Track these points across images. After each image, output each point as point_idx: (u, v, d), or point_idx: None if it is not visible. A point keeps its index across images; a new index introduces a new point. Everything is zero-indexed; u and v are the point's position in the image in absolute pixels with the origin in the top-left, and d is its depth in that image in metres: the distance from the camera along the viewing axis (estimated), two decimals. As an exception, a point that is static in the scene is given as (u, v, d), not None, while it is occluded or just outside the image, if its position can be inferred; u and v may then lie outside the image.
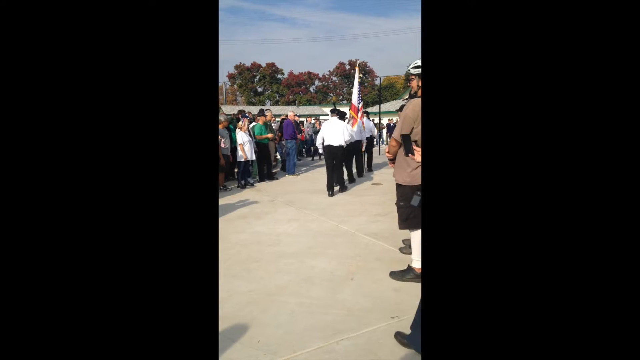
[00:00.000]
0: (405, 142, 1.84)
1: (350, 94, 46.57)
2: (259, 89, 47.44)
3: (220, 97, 31.40)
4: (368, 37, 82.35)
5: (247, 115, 7.44)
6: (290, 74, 47.38)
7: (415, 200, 2.07)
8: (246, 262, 3.14)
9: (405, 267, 2.78)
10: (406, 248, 3.26)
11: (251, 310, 2.33)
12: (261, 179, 7.32)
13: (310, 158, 11.47)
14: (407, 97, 5.15)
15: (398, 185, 2.68)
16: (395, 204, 2.84)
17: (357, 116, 7.24)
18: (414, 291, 2.47)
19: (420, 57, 2.00)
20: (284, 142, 8.15)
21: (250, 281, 2.76)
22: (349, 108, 7.77)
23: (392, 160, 2.74)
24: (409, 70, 2.55)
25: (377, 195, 5.71)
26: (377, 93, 19.42)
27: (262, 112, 7.72)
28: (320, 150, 6.18)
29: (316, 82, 48.81)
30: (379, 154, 10.17)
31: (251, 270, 2.98)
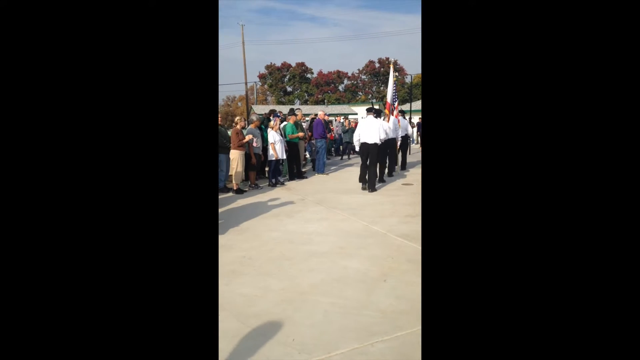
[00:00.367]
0: None
1: (379, 92, 46.20)
2: (289, 89, 47.93)
3: (251, 97, 31.99)
4: (398, 34, 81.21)
5: (278, 114, 7.53)
6: (320, 73, 47.52)
7: None
8: (279, 260, 3.19)
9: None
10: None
11: (284, 308, 2.36)
12: (291, 178, 7.39)
13: (340, 157, 11.45)
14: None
15: None
16: None
17: (389, 113, 7.42)
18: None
19: None
20: (313, 142, 8.19)
21: (283, 279, 2.80)
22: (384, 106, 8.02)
23: None
24: None
25: (407, 196, 5.62)
26: (407, 91, 19.12)
27: (292, 112, 7.79)
28: (357, 148, 6.44)
29: (345, 81, 48.68)
30: (409, 153, 10.03)
31: (283, 268, 3.02)
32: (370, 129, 6.07)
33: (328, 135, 9.18)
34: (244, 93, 29.33)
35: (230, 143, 6.05)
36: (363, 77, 48.55)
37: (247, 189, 6.34)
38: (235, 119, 6.44)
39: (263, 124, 7.09)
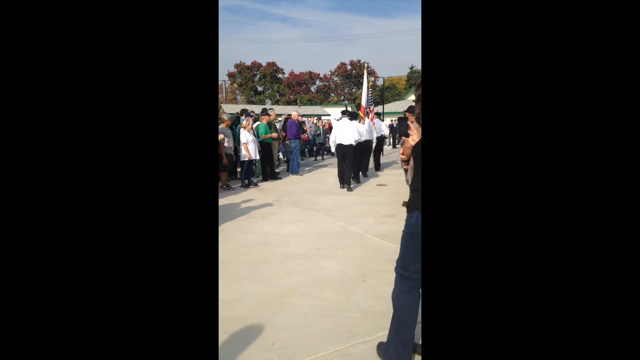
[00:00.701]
0: None
1: (351, 94, 46.71)
2: (259, 88, 47.43)
3: (219, 95, 31.38)
4: (369, 37, 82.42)
5: (251, 114, 7.40)
6: (291, 73, 47.36)
7: None
8: (255, 263, 3.10)
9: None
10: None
11: (263, 312, 2.29)
12: (264, 179, 7.28)
13: (313, 158, 11.43)
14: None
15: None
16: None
17: (364, 116, 7.60)
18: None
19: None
20: (287, 142, 8.12)
21: (260, 283, 2.72)
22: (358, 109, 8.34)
23: (407, 161, 2.71)
24: None
25: (383, 197, 5.68)
26: (379, 94, 19.47)
27: (265, 112, 7.68)
28: (333, 149, 6.74)
29: (317, 82, 48.82)
30: (382, 154, 10.22)
31: (260, 271, 2.94)
32: (345, 131, 6.35)
33: (302, 136, 9.15)
34: (214, 92, 28.56)
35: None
36: (335, 78, 48.90)
37: (218, 190, 6.18)
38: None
39: (234, 124, 6.94)
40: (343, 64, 48.07)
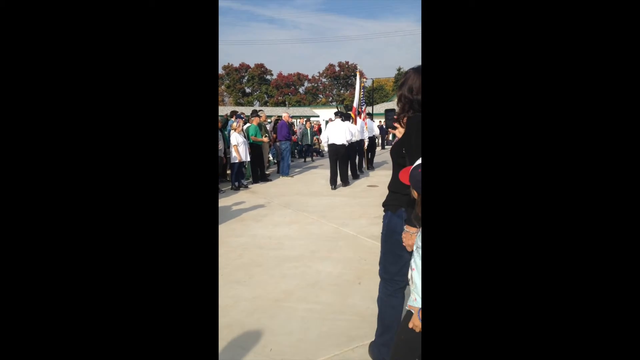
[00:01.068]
0: None
1: (339, 95, 46.85)
2: (248, 90, 47.16)
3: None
4: (357, 39, 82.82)
5: (241, 116, 7.33)
6: (280, 75, 47.26)
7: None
8: (248, 267, 3.07)
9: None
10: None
11: (259, 317, 2.26)
12: (255, 181, 7.22)
13: (303, 159, 11.40)
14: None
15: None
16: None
17: (355, 117, 7.83)
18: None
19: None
20: (277, 144, 8.08)
21: (255, 287, 2.69)
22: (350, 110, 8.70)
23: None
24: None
25: (375, 198, 5.69)
26: (367, 95, 19.58)
27: (255, 113, 7.63)
28: (326, 148, 7.06)
29: (305, 84, 48.83)
30: (374, 154, 10.29)
31: (254, 275, 2.91)
32: (337, 131, 6.54)
33: (292, 137, 9.14)
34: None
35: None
36: (324, 80, 48.99)
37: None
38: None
39: (223, 127, 6.87)
40: (331, 66, 48.21)
